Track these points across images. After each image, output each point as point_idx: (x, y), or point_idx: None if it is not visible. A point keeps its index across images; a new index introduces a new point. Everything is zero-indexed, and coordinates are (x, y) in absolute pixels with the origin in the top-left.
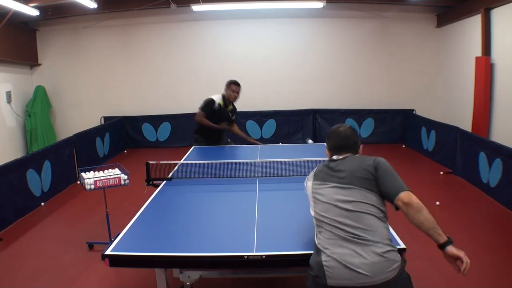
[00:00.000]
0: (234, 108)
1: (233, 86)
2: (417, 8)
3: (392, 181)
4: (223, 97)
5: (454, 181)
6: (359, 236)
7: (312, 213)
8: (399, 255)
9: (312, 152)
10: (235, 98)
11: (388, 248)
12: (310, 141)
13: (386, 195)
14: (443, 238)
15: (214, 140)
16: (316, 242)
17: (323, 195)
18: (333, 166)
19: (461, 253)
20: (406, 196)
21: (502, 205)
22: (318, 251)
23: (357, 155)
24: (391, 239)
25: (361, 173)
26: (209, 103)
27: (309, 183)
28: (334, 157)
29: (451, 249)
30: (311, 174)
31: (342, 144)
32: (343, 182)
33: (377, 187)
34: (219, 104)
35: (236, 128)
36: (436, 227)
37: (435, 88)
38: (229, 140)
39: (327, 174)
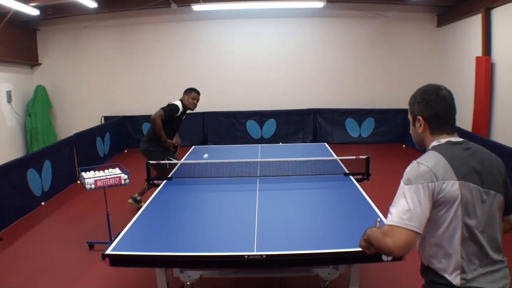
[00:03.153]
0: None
1: (194, 94)
2: (418, 8)
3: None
4: (182, 103)
5: None
6: None
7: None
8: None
9: (313, 152)
10: (195, 106)
11: None
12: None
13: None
14: None
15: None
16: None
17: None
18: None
19: None
20: None
21: None
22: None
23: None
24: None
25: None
26: (173, 109)
27: (451, 185)
28: (454, 139)
29: None
30: (438, 164)
31: (453, 118)
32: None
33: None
34: (181, 112)
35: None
36: None
37: None
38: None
39: (469, 169)
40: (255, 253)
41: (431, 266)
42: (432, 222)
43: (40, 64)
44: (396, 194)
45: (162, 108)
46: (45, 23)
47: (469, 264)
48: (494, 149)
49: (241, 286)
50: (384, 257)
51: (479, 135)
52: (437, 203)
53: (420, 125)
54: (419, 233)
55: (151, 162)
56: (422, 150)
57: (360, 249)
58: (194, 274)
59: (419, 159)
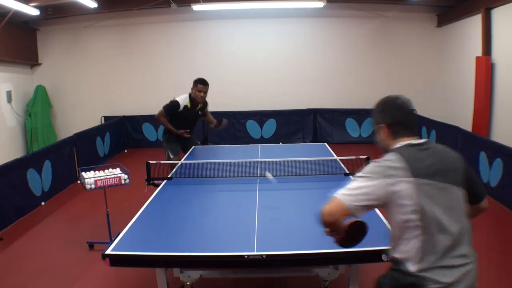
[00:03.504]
0: (204, 106)
1: (200, 86)
2: (418, 8)
3: None
4: (190, 97)
5: None
6: None
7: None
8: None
9: (313, 152)
10: (202, 98)
11: None
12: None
13: None
14: None
15: (186, 141)
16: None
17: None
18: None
19: None
20: None
21: (502, 205)
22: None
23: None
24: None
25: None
26: (173, 105)
27: (406, 183)
28: (413, 141)
29: None
30: (396, 163)
31: (412, 123)
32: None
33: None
34: (186, 106)
35: (209, 118)
36: None
37: (436, 87)
38: (198, 142)
39: (428, 167)
40: (255, 253)
41: (394, 255)
42: (394, 219)
43: (40, 64)
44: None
45: (163, 106)
46: (45, 23)
47: (427, 256)
48: (494, 149)
49: (241, 286)
50: (384, 257)
51: (479, 135)
52: (393, 200)
53: (384, 132)
54: (348, 208)
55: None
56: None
57: (361, 248)
58: (194, 274)
59: (377, 159)
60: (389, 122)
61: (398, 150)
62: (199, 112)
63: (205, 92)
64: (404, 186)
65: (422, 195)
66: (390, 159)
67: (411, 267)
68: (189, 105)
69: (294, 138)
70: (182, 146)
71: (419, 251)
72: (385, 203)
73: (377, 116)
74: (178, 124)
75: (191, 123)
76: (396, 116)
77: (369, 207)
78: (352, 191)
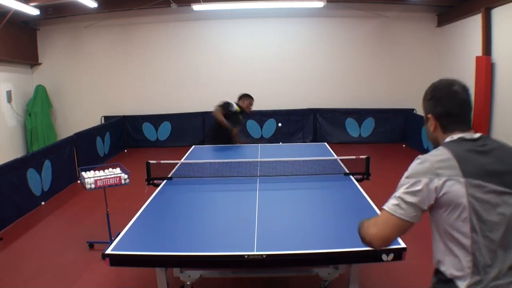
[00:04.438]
0: (244, 115)
1: (251, 100)
2: (418, 8)
3: None
4: (238, 105)
5: None
6: None
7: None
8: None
9: (313, 151)
10: (249, 109)
11: None
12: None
13: None
14: None
15: (226, 142)
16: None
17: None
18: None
19: None
20: None
21: None
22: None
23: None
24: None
25: None
26: (228, 104)
27: (456, 184)
28: (467, 135)
29: None
30: (444, 160)
31: (467, 115)
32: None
33: None
34: (236, 110)
35: (236, 132)
36: None
37: None
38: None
39: (482, 167)
40: (255, 253)
41: (439, 269)
42: (438, 224)
43: (40, 64)
44: (398, 185)
45: (217, 106)
46: (45, 22)
47: (480, 273)
48: None
49: (241, 286)
50: (384, 257)
51: None
52: (441, 203)
53: (431, 123)
54: (404, 220)
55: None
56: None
57: (361, 248)
58: (194, 274)
59: (423, 155)
60: (438, 113)
61: (447, 145)
62: (240, 117)
63: (252, 105)
64: (453, 187)
65: (473, 199)
66: (437, 155)
67: (460, 285)
68: (238, 110)
69: (294, 138)
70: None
71: (469, 265)
72: (433, 206)
73: (425, 104)
74: (225, 129)
75: (232, 128)
76: (448, 106)
77: (424, 212)
78: (402, 201)
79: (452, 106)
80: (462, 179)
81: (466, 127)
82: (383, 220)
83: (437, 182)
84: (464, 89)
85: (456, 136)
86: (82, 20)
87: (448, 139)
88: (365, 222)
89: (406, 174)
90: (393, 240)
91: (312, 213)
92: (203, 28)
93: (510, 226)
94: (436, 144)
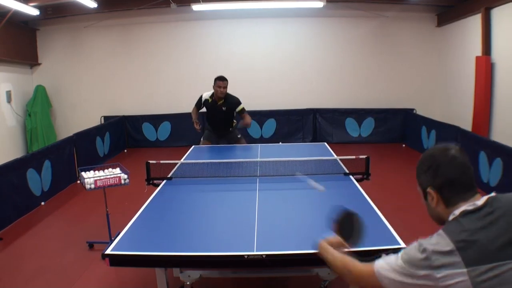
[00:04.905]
0: (230, 102)
1: (218, 82)
2: (418, 8)
3: None
4: (213, 93)
5: None
6: None
7: None
8: None
9: (313, 151)
10: (222, 93)
11: None
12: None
13: None
14: None
15: (222, 133)
16: None
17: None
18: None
19: None
20: None
21: None
22: None
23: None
24: None
25: None
26: (199, 98)
27: (457, 277)
28: (469, 206)
29: None
30: (443, 252)
31: (470, 179)
32: None
33: None
34: (207, 100)
35: (246, 120)
36: None
37: (435, 87)
38: (239, 135)
39: (491, 243)
40: (255, 253)
41: None
42: None
43: (40, 64)
44: (392, 257)
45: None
46: (45, 23)
47: None
48: (494, 149)
49: (241, 286)
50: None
51: (479, 135)
52: None
53: (433, 198)
54: (378, 284)
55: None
56: (442, 225)
57: (361, 248)
58: (194, 274)
59: (423, 240)
60: (439, 184)
61: (447, 230)
62: (223, 108)
63: (224, 87)
64: (455, 279)
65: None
66: (436, 245)
67: None
68: (209, 100)
69: (294, 137)
70: (216, 138)
71: None
72: None
73: (422, 177)
74: (209, 118)
75: (218, 118)
76: (449, 174)
77: None
78: (392, 273)
79: (453, 172)
80: (465, 270)
81: (470, 194)
82: (367, 276)
83: (436, 275)
84: (461, 151)
85: (457, 210)
86: (82, 20)
87: (450, 217)
88: (348, 263)
89: (402, 256)
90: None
91: (312, 213)
92: (203, 28)
93: None
94: (440, 222)
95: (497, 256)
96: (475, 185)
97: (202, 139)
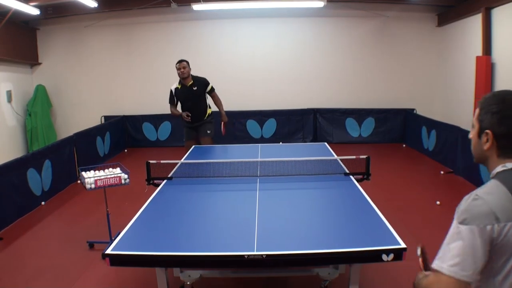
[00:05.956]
0: (199, 81)
1: (177, 65)
2: (418, 8)
3: None
4: (179, 81)
5: (454, 180)
6: None
7: None
8: None
9: (313, 151)
10: (182, 73)
11: None
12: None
13: None
14: None
15: (197, 123)
16: None
17: None
18: None
19: None
20: None
21: None
22: None
23: None
24: None
25: None
26: (170, 93)
27: (491, 228)
28: None
29: None
30: (500, 199)
31: None
32: None
33: None
34: (177, 88)
35: (216, 102)
36: None
37: (436, 87)
38: (208, 131)
39: None
40: (255, 253)
41: None
42: (487, 272)
43: (40, 64)
44: (449, 233)
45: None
46: (45, 22)
47: None
48: None
49: (241, 286)
50: (384, 257)
51: None
52: (496, 249)
53: (487, 140)
54: (468, 283)
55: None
56: (479, 164)
57: (361, 248)
58: (194, 274)
59: (478, 192)
60: (502, 132)
61: (501, 179)
62: (194, 88)
63: (183, 68)
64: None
65: None
66: (493, 193)
67: None
68: (179, 86)
69: (294, 137)
70: (195, 132)
71: None
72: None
73: (486, 116)
74: (182, 107)
75: (190, 102)
76: None
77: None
78: (460, 259)
79: None
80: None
81: None
82: (441, 281)
83: (496, 227)
84: None
85: (510, 164)
86: (82, 20)
87: (500, 168)
88: (423, 282)
89: (458, 217)
90: None
91: (312, 213)
92: (203, 28)
93: None
94: (481, 162)
95: None
96: None
97: (185, 141)
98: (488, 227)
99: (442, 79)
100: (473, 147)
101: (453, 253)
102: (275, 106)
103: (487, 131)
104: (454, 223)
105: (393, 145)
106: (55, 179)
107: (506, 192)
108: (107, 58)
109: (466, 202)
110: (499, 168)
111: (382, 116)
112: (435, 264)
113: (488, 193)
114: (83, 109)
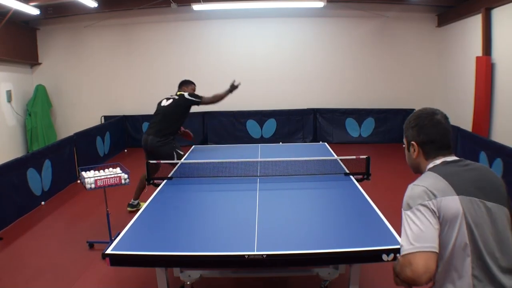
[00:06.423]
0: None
1: (194, 86)
2: (418, 8)
3: None
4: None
5: None
6: None
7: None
8: None
9: (313, 151)
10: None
11: None
12: None
13: None
14: None
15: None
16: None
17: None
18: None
19: None
20: None
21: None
22: None
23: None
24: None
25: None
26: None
27: (451, 201)
28: (448, 158)
29: None
30: (436, 182)
31: (448, 141)
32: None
33: None
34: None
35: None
36: None
37: (436, 87)
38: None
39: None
40: (255, 253)
41: None
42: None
43: (40, 64)
44: (402, 225)
45: (199, 95)
46: (45, 22)
47: (481, 286)
48: (494, 149)
49: (241, 286)
50: (384, 257)
51: (479, 135)
52: (440, 222)
53: (414, 150)
54: (435, 252)
55: (151, 161)
56: (418, 173)
57: (361, 248)
58: (194, 274)
59: (413, 182)
60: (422, 140)
61: (433, 169)
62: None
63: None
64: (450, 204)
65: (469, 215)
66: (426, 180)
67: None
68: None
69: (294, 138)
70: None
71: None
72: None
73: (408, 131)
74: (183, 119)
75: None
76: (431, 134)
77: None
78: (417, 235)
79: (435, 134)
80: (456, 196)
81: (448, 152)
82: (411, 261)
83: (434, 202)
84: (446, 118)
85: (438, 160)
86: (82, 20)
87: (431, 165)
88: (395, 269)
89: (404, 207)
90: (434, 268)
91: (312, 213)
92: (203, 28)
93: (498, 234)
94: (416, 170)
95: (475, 194)
96: (452, 146)
97: (181, 152)
98: (429, 202)
99: (442, 79)
100: (407, 159)
101: (409, 235)
102: (275, 106)
103: (412, 142)
104: (403, 214)
105: (393, 145)
106: (55, 179)
107: (436, 176)
108: (107, 58)
109: (406, 193)
110: (430, 165)
111: (382, 116)
112: (402, 251)
113: (421, 180)
114: (83, 109)
